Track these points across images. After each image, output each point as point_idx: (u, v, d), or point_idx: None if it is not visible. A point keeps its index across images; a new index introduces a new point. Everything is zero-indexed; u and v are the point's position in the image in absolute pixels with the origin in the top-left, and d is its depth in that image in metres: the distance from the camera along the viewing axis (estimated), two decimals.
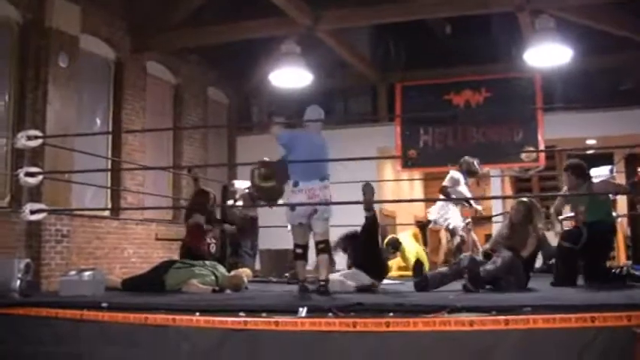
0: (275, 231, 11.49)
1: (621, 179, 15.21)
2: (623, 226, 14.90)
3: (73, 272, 8.81)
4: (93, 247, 12.83)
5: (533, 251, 8.74)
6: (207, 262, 9.66)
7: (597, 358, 5.24)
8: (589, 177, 9.13)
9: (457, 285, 8.15)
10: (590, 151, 16.19)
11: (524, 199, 9.24)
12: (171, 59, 16.15)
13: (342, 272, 9.10)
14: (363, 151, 14.10)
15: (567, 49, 12.47)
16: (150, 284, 9.11)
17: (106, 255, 13.10)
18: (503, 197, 16.07)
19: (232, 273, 9.64)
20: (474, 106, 16.34)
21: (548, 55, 12.73)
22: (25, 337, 6.98)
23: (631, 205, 13.22)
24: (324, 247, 8.13)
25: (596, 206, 8.87)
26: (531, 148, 13.27)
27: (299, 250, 8.22)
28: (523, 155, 12.42)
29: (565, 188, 9.35)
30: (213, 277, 9.27)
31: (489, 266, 8.24)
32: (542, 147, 15.20)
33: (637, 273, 8.97)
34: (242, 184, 11.89)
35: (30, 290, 8.14)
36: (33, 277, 8.77)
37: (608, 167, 13.55)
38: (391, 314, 5.79)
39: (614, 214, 12.06)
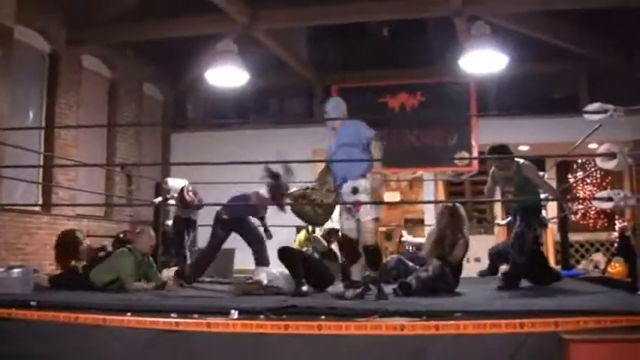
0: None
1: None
2: (552, 231, 15.16)
3: (1, 269, 8.68)
4: (23, 243, 12.65)
5: (461, 255, 8.82)
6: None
7: None
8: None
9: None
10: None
11: (449, 204, 9.34)
12: (107, 53, 16.01)
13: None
14: (299, 152, 14.10)
15: (502, 56, 12.59)
16: (76, 281, 9.08)
17: (36, 251, 12.92)
18: (435, 202, 16.25)
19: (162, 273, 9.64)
20: (410, 109, 16.47)
21: (483, 61, 12.83)
22: None
23: (560, 210, 13.43)
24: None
25: (526, 187, 8.84)
26: (465, 153, 13.37)
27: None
28: (456, 159, 12.51)
29: (492, 170, 9.24)
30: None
31: (422, 274, 8.31)
32: (475, 151, 15.39)
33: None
34: (175, 182, 11.80)
35: None
36: None
37: (540, 173, 13.74)
38: (323, 317, 5.81)
39: (543, 213, 12.29)
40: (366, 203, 7.55)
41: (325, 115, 8.44)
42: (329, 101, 8.69)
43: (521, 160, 8.90)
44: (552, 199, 11.00)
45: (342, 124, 8.16)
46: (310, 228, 10.33)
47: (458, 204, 9.31)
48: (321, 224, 9.02)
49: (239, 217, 9.67)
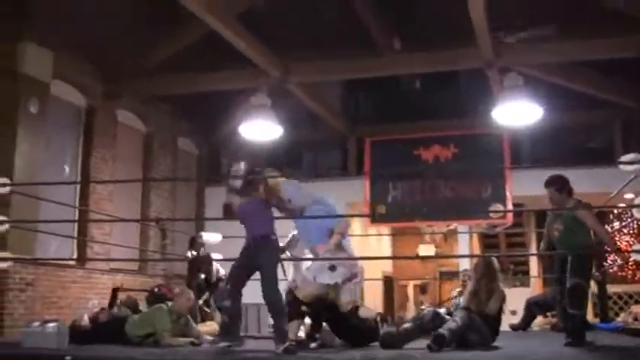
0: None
1: None
2: (590, 283, 14.95)
3: (36, 323, 8.66)
4: (57, 297, 12.66)
5: (498, 308, 8.66)
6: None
7: None
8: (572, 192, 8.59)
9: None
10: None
11: (486, 258, 9.16)
12: (142, 108, 16.13)
13: None
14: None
15: (536, 107, 12.53)
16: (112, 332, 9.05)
17: (69, 305, 12.92)
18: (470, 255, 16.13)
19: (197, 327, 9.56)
20: (443, 161, 16.40)
21: (516, 112, 12.77)
22: None
23: (598, 265, 13.25)
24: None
25: (578, 229, 8.31)
26: (499, 205, 13.30)
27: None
28: (491, 212, 12.43)
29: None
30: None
31: (452, 324, 8.19)
32: (509, 204, 15.26)
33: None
34: (210, 237, 11.80)
35: None
36: None
37: None
38: None
39: None
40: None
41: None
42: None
43: (582, 199, 8.50)
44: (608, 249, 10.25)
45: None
46: None
47: (491, 257, 9.18)
48: None
49: None
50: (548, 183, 8.55)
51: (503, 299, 8.69)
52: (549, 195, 8.54)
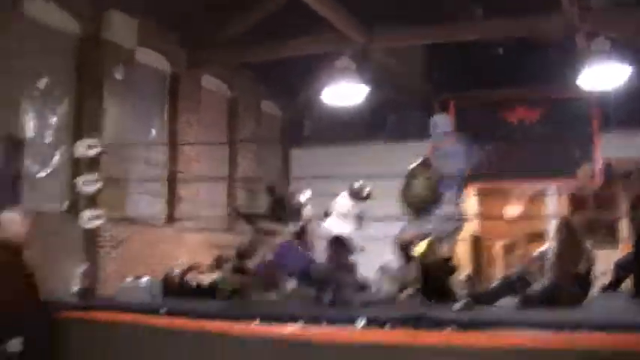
0: None
1: None
2: None
3: (130, 278, 8.93)
4: (147, 255, 12.89)
5: (587, 267, 8.55)
6: None
7: None
8: None
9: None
10: None
11: (565, 217, 9.03)
12: (225, 73, 16.27)
13: None
14: None
15: (624, 69, 12.31)
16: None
17: (159, 262, 13.15)
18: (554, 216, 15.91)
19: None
20: (529, 124, 16.23)
21: (603, 76, 12.57)
22: (83, 341, 7.05)
23: None
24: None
25: None
26: (588, 167, 13.09)
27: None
28: (579, 173, 12.22)
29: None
30: None
31: (540, 284, 8.14)
32: (598, 166, 15.06)
33: None
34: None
35: (87, 295, 8.23)
36: (90, 282, 8.86)
37: None
38: (452, 328, 5.73)
39: None
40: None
41: (433, 130, 8.24)
42: (437, 117, 8.56)
43: None
44: None
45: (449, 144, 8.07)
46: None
47: (574, 217, 9.04)
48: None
49: None
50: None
51: (591, 259, 8.59)
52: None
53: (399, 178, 8.73)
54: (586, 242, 8.57)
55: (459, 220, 7.82)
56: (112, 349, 6.81)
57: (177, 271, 10.01)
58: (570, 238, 8.48)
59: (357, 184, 11.30)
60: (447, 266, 8.33)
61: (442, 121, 8.32)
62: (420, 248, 9.85)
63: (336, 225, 11.11)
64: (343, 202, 11.43)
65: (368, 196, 11.43)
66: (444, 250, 8.22)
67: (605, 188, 14.39)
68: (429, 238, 9.67)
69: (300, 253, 8.42)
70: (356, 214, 11.16)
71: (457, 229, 7.91)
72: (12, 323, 6.31)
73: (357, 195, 11.40)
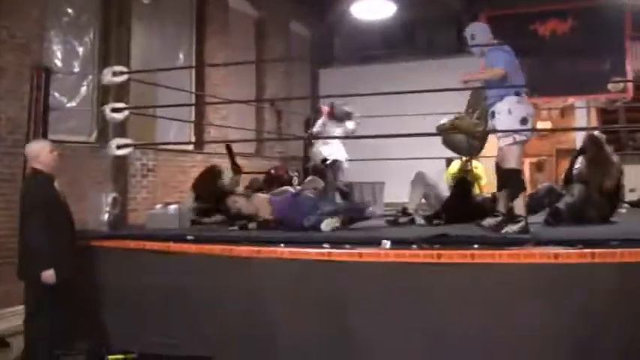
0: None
1: None
2: None
3: (159, 206, 8.97)
4: (177, 181, 12.95)
5: (615, 183, 8.44)
6: None
7: None
8: None
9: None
10: None
11: (592, 132, 8.83)
12: None
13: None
14: (449, 84, 13.89)
15: None
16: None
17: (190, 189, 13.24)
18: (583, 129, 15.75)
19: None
20: (561, 35, 15.95)
21: None
22: (113, 269, 7.15)
23: None
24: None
25: None
26: (619, 79, 12.92)
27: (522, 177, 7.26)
28: (610, 86, 12.05)
29: None
30: None
31: (568, 199, 8.06)
32: (630, 77, 14.81)
33: None
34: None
35: (118, 223, 8.28)
36: (120, 211, 8.91)
37: None
38: (476, 246, 5.74)
39: None
40: (501, 131, 7.08)
41: (470, 42, 7.72)
42: (472, 27, 7.87)
43: None
44: None
45: (490, 49, 7.45)
46: (464, 159, 10.18)
47: (599, 132, 8.85)
48: (477, 154, 8.73)
49: None
50: None
51: (620, 173, 8.47)
52: None
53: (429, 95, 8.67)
54: (615, 158, 8.45)
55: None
56: (142, 277, 6.88)
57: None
58: (599, 153, 8.36)
59: (331, 103, 11.28)
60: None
61: (480, 30, 7.77)
62: (452, 169, 9.81)
63: (324, 149, 11.15)
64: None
65: (345, 117, 11.32)
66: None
67: (637, 100, 14.18)
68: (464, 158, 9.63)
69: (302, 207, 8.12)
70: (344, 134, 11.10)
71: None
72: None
73: (333, 116, 11.33)
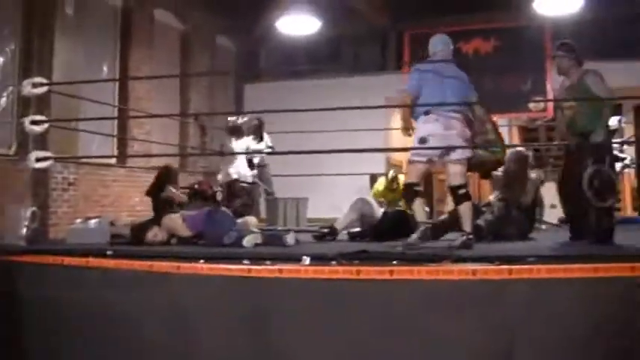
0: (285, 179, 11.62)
1: (630, 131, 15.13)
2: (630, 177, 14.86)
3: (79, 220, 8.88)
4: (99, 195, 12.86)
5: (532, 200, 8.61)
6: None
7: (601, 308, 5.23)
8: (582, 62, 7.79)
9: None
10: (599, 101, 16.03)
11: (517, 149, 8.98)
12: (179, 6, 16.09)
13: None
14: (372, 100, 14.02)
15: None
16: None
17: (112, 203, 13.13)
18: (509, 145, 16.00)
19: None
20: (484, 55, 16.18)
21: (558, 3, 12.55)
22: (31, 285, 7.02)
23: (638, 158, 13.10)
24: (465, 193, 7.23)
25: (594, 109, 7.50)
26: (539, 98, 13.13)
27: (418, 189, 7.24)
28: (531, 105, 12.24)
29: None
30: None
31: (488, 216, 8.20)
32: (550, 96, 15.09)
33: None
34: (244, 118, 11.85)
35: (36, 238, 8.16)
36: (40, 225, 8.78)
37: (617, 118, 13.47)
38: (395, 263, 5.78)
39: (625, 160, 11.79)
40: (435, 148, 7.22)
41: (432, 50, 7.70)
42: (436, 37, 7.88)
43: (589, 69, 7.74)
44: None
45: (448, 65, 7.52)
46: (390, 176, 10.28)
47: (523, 149, 9.02)
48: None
49: None
50: (558, 47, 7.92)
51: (537, 189, 8.66)
52: (557, 63, 7.91)
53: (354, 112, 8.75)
54: (533, 174, 8.61)
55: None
56: (60, 292, 6.78)
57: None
58: (517, 170, 8.52)
59: (231, 120, 11.40)
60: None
61: (444, 41, 7.81)
62: (378, 186, 9.87)
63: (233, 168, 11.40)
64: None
65: (241, 131, 11.47)
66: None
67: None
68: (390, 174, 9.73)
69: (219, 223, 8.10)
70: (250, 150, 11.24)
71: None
72: None
73: (233, 132, 11.45)
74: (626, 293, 5.19)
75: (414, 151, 7.19)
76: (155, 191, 10.17)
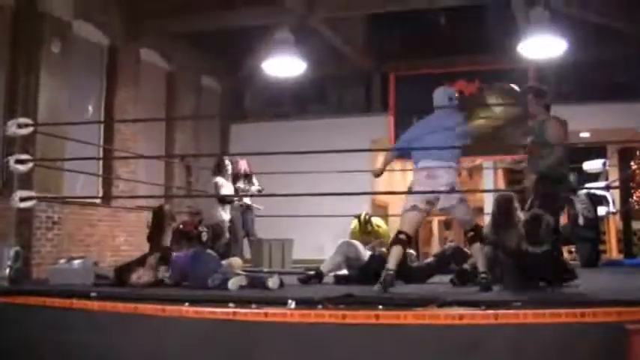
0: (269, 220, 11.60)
1: (614, 174, 15.24)
2: (615, 220, 14.93)
3: (63, 260, 8.81)
4: (84, 235, 12.80)
5: (515, 243, 8.61)
6: None
7: (588, 353, 5.23)
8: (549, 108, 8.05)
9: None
10: (583, 144, 16.18)
11: (504, 193, 9.03)
12: (165, 46, 16.13)
13: None
14: (357, 142, 14.10)
15: (561, 41, 12.39)
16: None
17: (97, 243, 13.08)
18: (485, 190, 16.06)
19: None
20: (468, 96, 16.29)
21: (542, 46, 12.65)
22: (13, 325, 6.96)
23: (623, 201, 13.23)
24: (474, 235, 7.51)
25: (546, 154, 7.72)
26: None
27: (402, 237, 7.35)
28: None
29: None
30: None
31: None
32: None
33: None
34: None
35: (19, 278, 8.10)
36: (23, 265, 8.73)
37: (602, 160, 13.55)
38: (381, 307, 5.77)
39: (608, 208, 11.88)
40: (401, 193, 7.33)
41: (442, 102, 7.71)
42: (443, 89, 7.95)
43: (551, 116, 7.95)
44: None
45: (449, 115, 7.66)
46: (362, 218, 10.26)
47: (510, 192, 9.05)
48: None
49: None
50: (526, 90, 8.33)
51: (520, 234, 8.65)
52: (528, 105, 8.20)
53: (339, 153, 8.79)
54: (519, 217, 8.59)
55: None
56: (43, 334, 6.73)
57: None
58: (503, 214, 8.50)
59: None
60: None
61: (450, 93, 7.89)
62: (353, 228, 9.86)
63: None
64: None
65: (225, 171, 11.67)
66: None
67: None
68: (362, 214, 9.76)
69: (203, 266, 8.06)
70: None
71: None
72: None
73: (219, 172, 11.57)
74: (614, 338, 5.19)
75: (407, 201, 7.30)
76: (155, 234, 10.07)
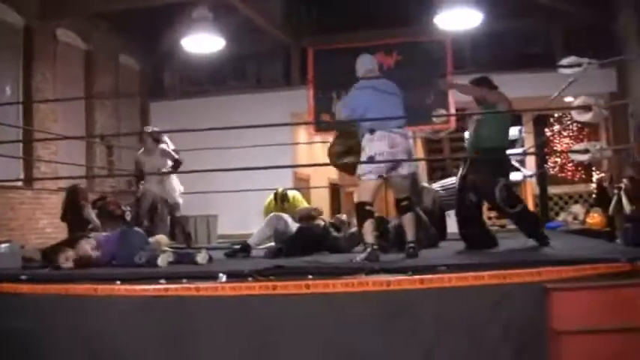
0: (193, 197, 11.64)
1: (530, 141, 15.59)
2: (531, 185, 15.33)
3: None
4: (7, 219, 12.67)
5: (428, 204, 8.89)
6: None
7: (510, 313, 5.45)
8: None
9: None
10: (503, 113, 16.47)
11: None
12: (81, 25, 15.98)
13: None
14: (277, 116, 14.19)
15: (477, 13, 12.67)
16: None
17: (20, 226, 12.96)
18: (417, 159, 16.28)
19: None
20: (387, 69, 16.44)
21: (458, 18, 12.93)
22: None
23: (538, 166, 13.58)
24: (408, 205, 7.48)
25: (488, 120, 8.11)
26: (442, 111, 13.44)
27: (368, 208, 7.32)
28: (435, 118, 12.55)
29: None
30: None
31: (394, 222, 8.29)
32: (452, 109, 15.42)
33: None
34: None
35: None
36: None
37: (517, 128, 13.86)
38: (310, 277, 5.91)
39: (524, 172, 12.20)
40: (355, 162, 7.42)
41: (363, 69, 7.77)
42: (365, 57, 8.03)
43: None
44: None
45: (385, 82, 7.78)
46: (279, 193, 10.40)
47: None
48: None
49: None
50: (479, 82, 8.54)
51: (434, 198, 8.95)
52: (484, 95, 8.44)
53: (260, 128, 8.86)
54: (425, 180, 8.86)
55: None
56: None
57: None
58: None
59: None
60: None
61: (369, 59, 8.01)
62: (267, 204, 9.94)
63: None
64: None
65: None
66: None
67: (460, 130, 14.85)
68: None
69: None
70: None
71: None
72: None
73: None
74: (535, 298, 5.43)
75: (365, 169, 7.31)
76: (69, 214, 10.07)
